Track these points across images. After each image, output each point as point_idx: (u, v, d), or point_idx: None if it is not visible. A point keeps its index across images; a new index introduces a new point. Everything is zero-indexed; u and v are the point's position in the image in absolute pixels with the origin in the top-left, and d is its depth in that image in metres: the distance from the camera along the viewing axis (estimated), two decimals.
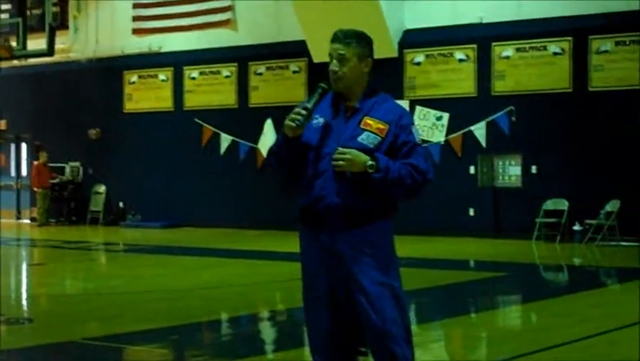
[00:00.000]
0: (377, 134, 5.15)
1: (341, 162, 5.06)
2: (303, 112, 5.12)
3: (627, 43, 20.41)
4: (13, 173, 30.03)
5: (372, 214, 5.20)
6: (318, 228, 5.21)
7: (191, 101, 26.42)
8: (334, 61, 5.34)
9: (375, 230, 5.21)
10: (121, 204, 27.40)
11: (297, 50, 24.04)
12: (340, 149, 5.09)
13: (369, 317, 5.13)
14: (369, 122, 5.17)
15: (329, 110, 5.30)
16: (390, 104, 5.33)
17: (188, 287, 13.51)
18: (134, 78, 27.56)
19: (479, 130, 21.42)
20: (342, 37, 5.40)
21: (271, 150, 5.40)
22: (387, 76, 20.63)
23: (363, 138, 5.14)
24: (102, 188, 27.79)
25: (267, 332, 10.69)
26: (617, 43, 20.51)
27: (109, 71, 27.61)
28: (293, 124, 5.11)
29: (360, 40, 5.42)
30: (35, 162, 27.59)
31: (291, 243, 20.65)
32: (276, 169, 5.44)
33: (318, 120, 5.26)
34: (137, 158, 26.90)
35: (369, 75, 5.40)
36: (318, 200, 5.18)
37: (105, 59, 27.72)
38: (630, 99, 20.15)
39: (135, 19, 27.22)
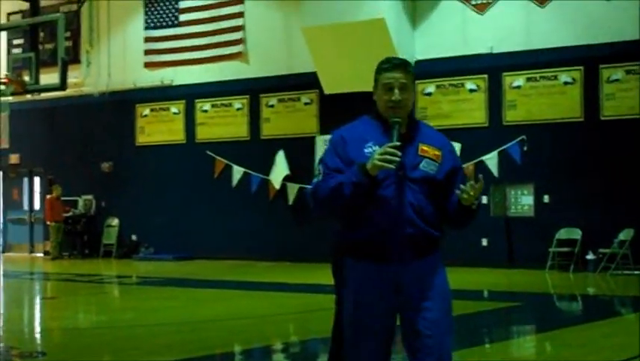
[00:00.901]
0: (435, 161, 5.07)
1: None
2: (398, 153, 4.86)
3: (638, 71, 20.40)
4: (26, 207, 30.13)
5: (436, 243, 5.15)
6: (381, 260, 5.00)
7: (203, 134, 26.49)
8: (396, 90, 5.12)
9: (437, 259, 5.16)
10: (134, 237, 27.44)
11: (308, 81, 24.11)
12: (474, 184, 5.01)
13: (429, 347, 5.02)
14: (425, 148, 5.07)
15: (382, 139, 5.05)
16: (432, 130, 5.28)
17: (201, 319, 13.49)
18: (147, 111, 27.67)
19: (491, 160, 21.41)
20: (400, 64, 5.21)
21: (337, 194, 4.95)
22: None
23: (424, 166, 5.04)
24: (115, 221, 27.83)
25: None
26: (627, 72, 20.52)
27: (121, 105, 27.73)
28: (392, 166, 4.84)
29: (411, 67, 5.29)
30: (48, 196, 27.69)
31: (303, 274, 20.79)
32: (333, 212, 5.11)
33: (374, 149, 5.00)
34: (150, 191, 26.96)
35: None
36: (384, 231, 4.97)
37: (117, 93, 27.84)
38: None
39: (147, 52, 27.36)
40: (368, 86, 20.90)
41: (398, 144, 4.89)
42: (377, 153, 4.85)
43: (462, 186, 5.02)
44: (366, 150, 5.02)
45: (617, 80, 20.60)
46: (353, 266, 5.09)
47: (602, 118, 20.72)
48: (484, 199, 21.42)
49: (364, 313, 5.02)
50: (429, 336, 5.00)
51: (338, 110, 23.12)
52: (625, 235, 19.80)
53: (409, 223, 4.98)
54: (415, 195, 5.01)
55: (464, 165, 21.86)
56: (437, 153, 5.08)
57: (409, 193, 5.00)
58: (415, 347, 5.01)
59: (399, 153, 4.84)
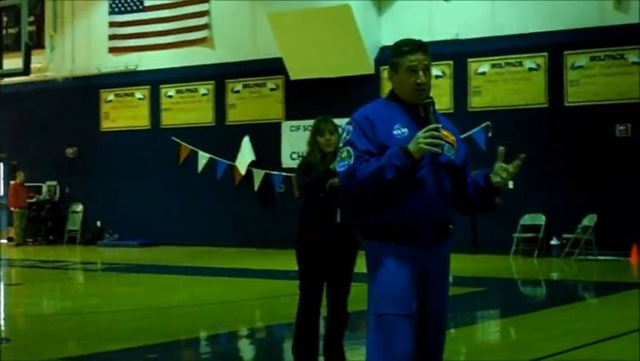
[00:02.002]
0: (453, 147, 5.03)
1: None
2: (441, 135, 4.80)
3: (602, 58, 20.53)
4: None
5: (451, 229, 5.12)
6: (413, 243, 4.93)
7: (168, 120, 26.40)
8: (420, 72, 5.00)
9: (450, 245, 5.13)
10: (98, 223, 27.30)
11: (274, 67, 24.07)
12: (506, 165, 5.06)
13: (435, 342, 5.07)
14: (445, 133, 4.93)
15: (407, 121, 4.99)
16: (442, 116, 5.13)
17: (166, 305, 13.47)
18: (111, 97, 27.52)
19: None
20: (421, 46, 5.06)
21: (378, 178, 4.80)
22: (364, 92, 20.66)
23: (447, 151, 4.97)
24: (79, 207, 27.69)
25: (246, 349, 10.66)
26: (591, 59, 20.63)
27: (85, 90, 27.56)
28: (438, 149, 4.80)
29: (428, 49, 5.12)
30: (12, 182, 27.49)
31: (268, 260, 20.74)
32: (371, 196, 4.90)
33: (403, 131, 4.95)
34: (114, 176, 26.83)
35: None
36: (418, 215, 4.90)
37: (82, 78, 27.66)
38: (606, 114, 20.27)
39: (112, 37, 27.20)
40: (334, 72, 21.05)
41: (440, 125, 4.83)
42: (421, 136, 4.76)
43: (500, 165, 5.05)
44: (395, 132, 4.95)
45: (581, 67, 20.71)
46: (384, 250, 4.95)
47: (566, 104, 20.84)
48: None
49: (401, 298, 4.91)
50: (435, 321, 5.04)
51: (304, 95, 23.16)
52: (588, 220, 19.93)
53: (439, 208, 4.96)
54: (443, 180, 4.99)
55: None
56: (453, 138, 5.05)
57: (439, 178, 4.98)
58: (426, 339, 5.02)
59: (441, 135, 4.80)
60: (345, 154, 4.92)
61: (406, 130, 4.93)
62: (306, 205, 7.97)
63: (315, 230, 7.83)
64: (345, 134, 5.00)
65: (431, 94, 5.07)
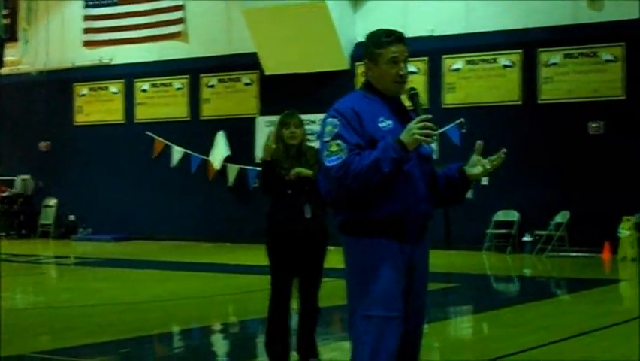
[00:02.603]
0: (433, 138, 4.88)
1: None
2: (434, 125, 4.73)
3: (576, 55, 20.64)
4: None
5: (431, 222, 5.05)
6: (401, 238, 4.86)
7: (143, 114, 26.33)
8: (402, 64, 4.95)
9: (429, 239, 5.09)
10: (72, 218, 27.20)
11: (248, 62, 24.06)
12: (482, 160, 4.99)
13: (415, 337, 5.03)
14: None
15: (388, 113, 4.92)
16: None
17: (139, 300, 13.45)
18: (85, 91, 27.41)
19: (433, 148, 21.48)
20: (402, 37, 5.02)
21: (374, 171, 4.69)
22: (339, 88, 20.67)
23: (428, 143, 4.86)
24: (53, 201, 27.57)
25: (219, 344, 10.66)
26: (565, 56, 20.74)
27: (59, 84, 27.44)
28: (430, 140, 4.75)
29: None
30: None
31: (242, 255, 20.70)
32: (366, 190, 4.76)
33: (388, 123, 4.88)
34: (88, 171, 26.74)
35: None
36: (408, 208, 4.84)
37: (55, 72, 27.53)
38: (579, 111, 20.38)
39: (86, 31, 27.09)
40: (309, 68, 21.07)
41: (431, 116, 4.77)
42: (415, 127, 4.70)
43: (479, 158, 4.99)
44: (380, 125, 4.86)
45: (555, 64, 20.81)
46: (372, 247, 4.84)
47: (540, 101, 20.94)
48: None
49: (389, 297, 4.82)
50: (415, 319, 4.98)
51: (278, 91, 23.15)
52: (561, 217, 20.04)
53: (425, 201, 4.92)
54: (426, 173, 4.96)
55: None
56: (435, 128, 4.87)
57: (424, 170, 4.94)
58: (408, 336, 4.94)
59: (434, 126, 4.73)
60: (335, 148, 4.78)
61: (390, 122, 4.87)
62: (274, 202, 7.97)
63: (285, 226, 7.84)
64: (330, 127, 4.85)
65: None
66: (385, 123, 4.86)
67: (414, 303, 4.94)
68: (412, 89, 5.00)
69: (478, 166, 5.00)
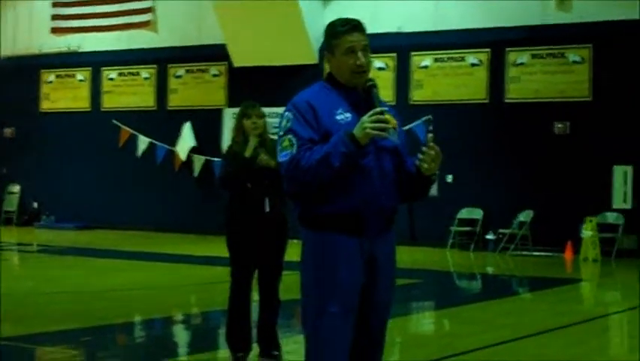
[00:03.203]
0: (395, 130, 4.70)
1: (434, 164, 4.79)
2: (389, 119, 4.57)
3: (543, 56, 20.76)
4: None
5: (395, 216, 4.90)
6: (360, 233, 4.71)
7: (109, 102, 26.22)
8: (359, 53, 4.77)
9: (394, 233, 4.95)
10: (35, 205, 27.06)
11: (217, 53, 24.01)
12: (436, 147, 4.79)
13: (379, 332, 4.91)
14: (388, 117, 4.63)
15: (348, 105, 4.76)
16: (381, 100, 4.87)
17: (101, 289, 13.40)
18: (52, 78, 27.26)
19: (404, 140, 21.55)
20: (358, 25, 4.80)
21: (325, 166, 4.55)
22: (307, 82, 20.63)
23: (391, 135, 4.65)
24: (16, 188, 27.41)
25: (181, 334, 10.65)
26: (533, 56, 20.86)
27: (26, 70, 27.26)
28: (385, 134, 4.57)
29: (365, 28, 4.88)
30: None
31: (206, 246, 20.64)
32: (317, 186, 4.62)
33: (346, 116, 4.71)
34: (53, 158, 26.59)
35: None
36: (365, 202, 4.67)
37: (22, 58, 27.36)
38: (545, 111, 20.51)
39: (54, 17, 26.93)
40: (277, 60, 21.04)
41: (386, 109, 4.63)
42: (367, 121, 4.53)
43: (422, 154, 4.79)
44: (338, 117, 4.70)
45: (522, 64, 20.93)
46: (328, 241, 4.70)
47: (507, 100, 21.05)
48: None
49: (345, 292, 4.70)
50: (378, 315, 4.88)
51: (247, 83, 23.12)
52: (525, 216, 20.17)
53: (386, 194, 4.76)
54: (388, 166, 4.78)
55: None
56: (395, 122, 4.73)
57: (383, 164, 4.76)
58: (359, 322, 4.80)
59: (389, 120, 4.57)
60: (286, 143, 4.65)
61: (349, 115, 4.71)
62: (233, 195, 7.96)
63: (244, 219, 7.84)
64: (284, 121, 4.72)
65: None
66: (343, 116, 4.71)
67: (377, 298, 4.82)
68: (370, 80, 4.81)
69: (425, 161, 4.81)
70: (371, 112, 4.58)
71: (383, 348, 5.00)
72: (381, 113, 4.57)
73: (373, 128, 4.53)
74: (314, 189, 4.64)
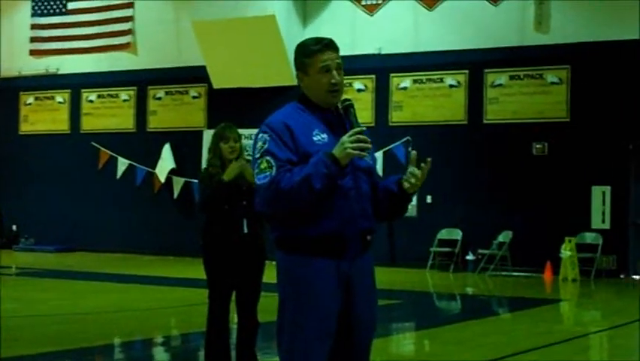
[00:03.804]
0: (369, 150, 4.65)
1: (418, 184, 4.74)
2: (369, 139, 4.52)
3: (521, 77, 20.87)
4: None
5: (373, 237, 4.85)
6: (337, 255, 4.63)
7: (89, 125, 26.18)
8: (334, 72, 4.68)
9: (371, 254, 4.88)
10: (14, 227, 26.94)
11: (197, 75, 24.05)
12: (415, 169, 4.73)
13: (363, 353, 4.84)
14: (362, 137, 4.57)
15: (323, 125, 4.70)
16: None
17: (81, 311, 13.36)
18: (31, 100, 27.22)
19: (376, 160, 21.60)
20: (331, 43, 4.73)
21: (305, 188, 4.47)
22: (287, 103, 20.70)
23: (361, 157, 4.63)
24: None
25: (161, 356, 10.63)
26: (511, 77, 20.97)
27: (5, 92, 27.22)
28: (365, 153, 4.54)
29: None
30: None
31: (186, 269, 20.60)
32: (297, 208, 4.55)
33: (323, 137, 4.65)
34: (32, 180, 26.51)
35: None
36: (345, 224, 4.61)
37: (1, 80, 27.30)
38: (523, 132, 20.60)
39: (33, 40, 26.91)
40: (257, 82, 21.04)
41: (364, 128, 4.55)
42: (347, 141, 4.47)
43: (411, 170, 4.74)
44: (314, 138, 4.62)
45: (500, 85, 21.03)
46: (305, 264, 4.62)
47: (485, 122, 21.14)
48: None
49: (322, 315, 4.62)
50: (362, 337, 4.80)
51: (226, 104, 23.14)
52: (504, 237, 20.23)
53: (364, 216, 4.70)
54: (365, 186, 4.72)
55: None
56: (370, 141, 4.61)
57: (360, 184, 4.70)
58: (341, 346, 4.73)
59: (367, 138, 4.50)
60: (264, 165, 4.54)
61: (325, 135, 4.65)
62: (211, 217, 7.93)
63: (222, 241, 7.82)
64: (260, 143, 4.62)
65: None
66: (320, 137, 4.64)
67: (357, 319, 4.75)
68: (346, 100, 4.76)
69: (409, 179, 4.77)
70: (351, 132, 4.54)
71: None
72: (361, 132, 4.53)
73: (354, 148, 4.48)
74: (294, 211, 4.56)
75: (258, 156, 4.62)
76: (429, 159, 4.83)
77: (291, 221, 4.63)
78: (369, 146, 4.55)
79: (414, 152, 4.87)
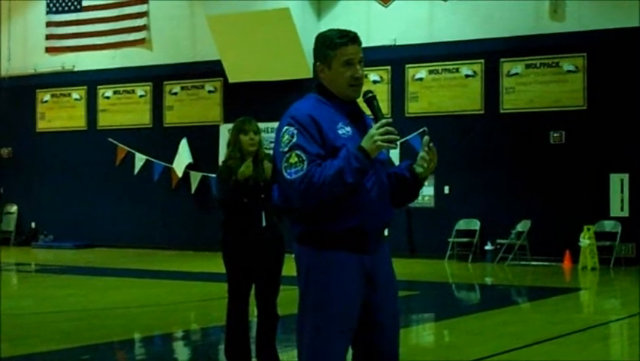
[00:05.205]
0: None
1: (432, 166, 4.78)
2: (394, 129, 4.54)
3: (537, 65, 20.80)
4: None
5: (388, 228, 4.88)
6: (362, 249, 4.64)
7: (105, 121, 26.24)
8: (357, 65, 4.71)
9: (388, 245, 4.90)
10: (33, 225, 27.05)
11: (212, 69, 24.06)
12: (433, 149, 4.78)
13: (385, 348, 4.80)
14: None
15: (345, 118, 4.70)
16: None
17: (100, 307, 13.39)
18: (47, 97, 27.29)
19: (393, 151, 21.58)
20: (356, 37, 4.74)
21: (338, 182, 4.46)
22: (302, 96, 20.67)
23: (392, 149, 4.69)
24: (14, 208, 27.40)
25: (181, 351, 10.64)
26: (527, 66, 20.90)
27: (21, 90, 27.30)
28: (394, 145, 4.56)
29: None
30: None
31: (205, 263, 20.66)
32: (329, 202, 4.53)
33: (347, 130, 4.64)
34: (50, 177, 26.61)
35: None
36: (370, 218, 4.63)
37: (18, 78, 27.38)
38: (540, 121, 20.54)
39: (49, 37, 26.98)
40: (273, 75, 21.06)
41: (391, 120, 4.58)
42: (376, 133, 4.49)
43: (422, 155, 4.78)
44: (340, 132, 4.61)
45: (516, 74, 20.97)
46: (329, 259, 4.61)
47: (502, 111, 21.08)
48: None
49: (345, 310, 4.62)
50: (388, 327, 4.78)
51: (242, 98, 23.16)
52: (522, 226, 20.18)
53: (385, 208, 4.73)
54: (384, 179, 4.74)
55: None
56: (397, 132, 4.66)
57: (381, 177, 4.72)
58: (368, 339, 4.75)
59: (396, 131, 4.53)
60: (295, 159, 4.50)
61: (349, 129, 4.65)
62: (229, 212, 7.92)
63: (241, 234, 7.81)
64: (287, 136, 4.57)
65: None
66: (344, 130, 4.63)
67: (383, 310, 4.74)
68: (369, 92, 4.75)
69: (421, 163, 4.79)
70: (379, 124, 4.55)
71: (398, 357, 4.92)
72: (389, 124, 4.55)
73: (384, 141, 4.50)
74: (326, 205, 4.53)
75: (286, 150, 4.57)
76: (431, 144, 4.80)
77: (317, 216, 4.60)
78: (398, 137, 4.56)
79: (426, 137, 4.86)
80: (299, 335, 4.78)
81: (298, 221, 4.69)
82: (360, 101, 4.84)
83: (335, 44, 4.70)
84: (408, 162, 4.88)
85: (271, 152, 4.95)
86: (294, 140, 4.55)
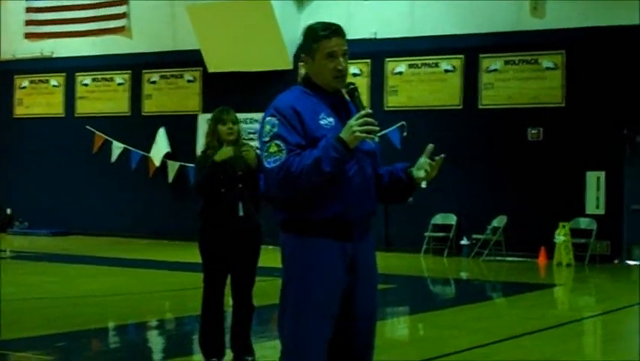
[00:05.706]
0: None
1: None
2: (374, 120, 4.60)
3: (516, 62, 20.85)
4: None
5: (374, 219, 4.94)
6: (344, 237, 4.71)
7: (83, 108, 26.14)
8: (340, 58, 4.77)
9: (372, 236, 4.98)
10: (8, 211, 26.91)
11: (192, 59, 23.99)
12: (428, 161, 4.93)
13: (368, 333, 4.91)
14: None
15: (328, 109, 4.77)
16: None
17: (76, 295, 13.36)
18: (25, 83, 27.15)
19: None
20: (339, 29, 4.84)
21: (315, 172, 4.54)
22: (282, 88, 20.60)
23: (369, 140, 4.73)
24: None
25: (155, 340, 10.64)
26: (506, 62, 20.95)
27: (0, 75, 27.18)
28: (373, 136, 4.64)
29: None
30: None
31: (180, 252, 20.61)
32: (307, 191, 4.60)
33: (329, 121, 4.72)
34: (26, 164, 26.47)
35: None
36: (352, 207, 4.69)
37: None
38: (518, 117, 20.60)
39: (28, 23, 26.84)
40: (252, 66, 21.05)
41: (371, 111, 4.63)
42: (355, 124, 4.55)
43: (427, 161, 4.92)
44: (322, 122, 4.69)
45: (495, 70, 21.01)
46: (312, 246, 4.69)
47: (480, 107, 21.13)
48: None
49: (327, 297, 4.69)
50: (364, 319, 4.85)
51: (221, 88, 23.10)
52: (498, 221, 20.24)
53: (369, 198, 4.79)
54: (368, 169, 4.81)
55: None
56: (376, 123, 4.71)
57: (365, 167, 4.78)
58: (345, 328, 4.80)
59: (376, 122, 4.58)
60: (274, 148, 4.60)
61: (331, 119, 4.72)
62: (207, 200, 7.94)
63: (218, 224, 7.83)
64: (269, 126, 4.66)
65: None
66: (327, 121, 4.71)
67: (362, 300, 4.81)
68: (351, 84, 4.82)
69: (425, 168, 4.93)
70: (358, 115, 4.62)
71: (373, 349, 5.00)
72: (369, 115, 4.60)
73: (362, 131, 4.56)
74: (304, 194, 4.61)
75: (267, 139, 4.67)
76: (442, 155, 4.94)
77: (298, 204, 4.68)
78: (377, 128, 4.62)
79: (431, 145, 4.99)
80: (280, 321, 4.83)
81: (281, 209, 4.76)
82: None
83: (318, 37, 4.79)
84: (405, 164, 4.99)
85: (250, 143, 4.99)
86: (275, 130, 4.64)
